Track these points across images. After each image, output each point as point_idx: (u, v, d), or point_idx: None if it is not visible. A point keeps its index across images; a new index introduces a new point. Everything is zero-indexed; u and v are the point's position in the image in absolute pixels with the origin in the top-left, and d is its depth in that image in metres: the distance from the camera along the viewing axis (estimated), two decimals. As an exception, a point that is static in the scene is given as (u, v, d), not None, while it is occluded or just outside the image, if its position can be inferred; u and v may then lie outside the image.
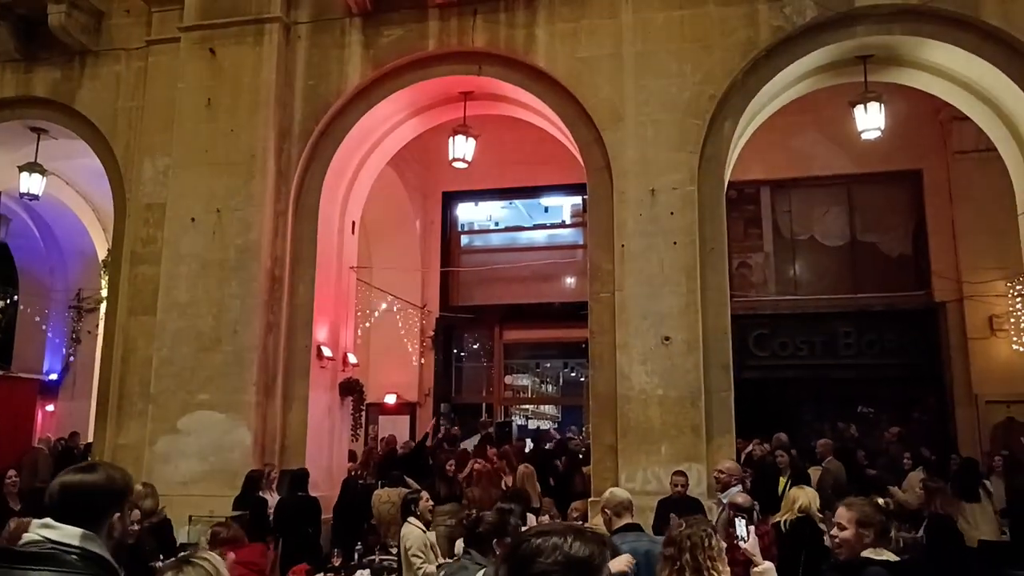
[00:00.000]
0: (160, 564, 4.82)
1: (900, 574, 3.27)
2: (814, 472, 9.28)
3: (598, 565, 1.62)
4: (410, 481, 9.04)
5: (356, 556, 7.47)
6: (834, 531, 3.47)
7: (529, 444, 13.86)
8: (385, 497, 8.66)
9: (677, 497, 7.20)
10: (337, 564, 6.94)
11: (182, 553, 2.25)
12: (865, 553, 3.32)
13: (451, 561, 4.90)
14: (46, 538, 2.05)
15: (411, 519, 6.57)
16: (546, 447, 12.40)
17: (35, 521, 2.13)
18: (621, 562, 3.79)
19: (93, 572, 2.02)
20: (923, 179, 13.31)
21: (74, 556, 2.02)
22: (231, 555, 5.21)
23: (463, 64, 9.56)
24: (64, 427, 14.11)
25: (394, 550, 7.82)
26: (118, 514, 2.19)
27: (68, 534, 2.05)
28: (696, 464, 7.86)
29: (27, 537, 2.08)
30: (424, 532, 6.51)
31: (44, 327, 15.04)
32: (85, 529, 2.08)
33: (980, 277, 12.32)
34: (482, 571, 4.01)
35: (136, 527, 5.22)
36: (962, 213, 12.71)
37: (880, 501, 3.77)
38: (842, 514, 3.44)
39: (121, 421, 9.42)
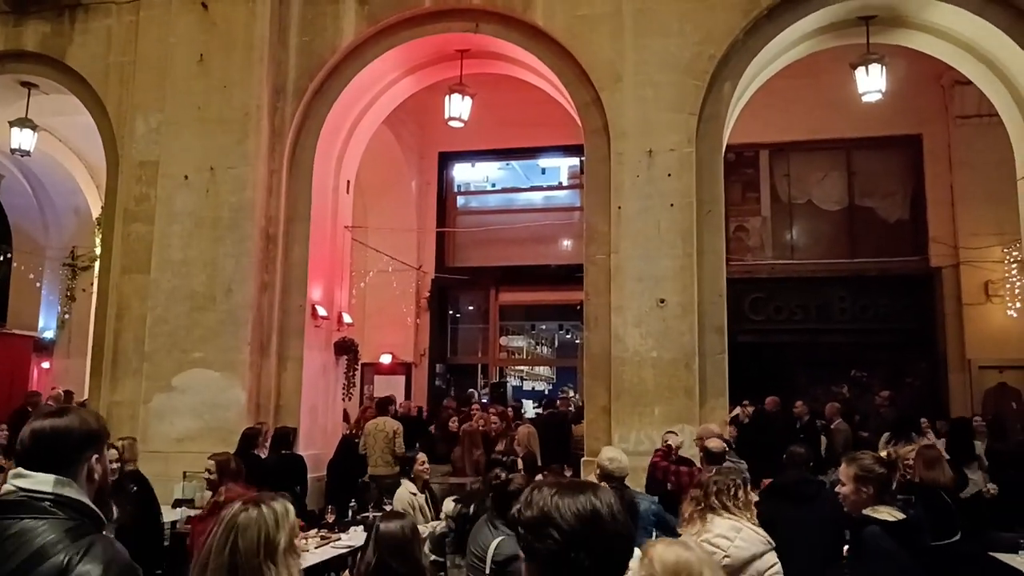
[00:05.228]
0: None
1: (897, 533, 3.27)
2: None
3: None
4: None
5: (350, 513, 7.54)
6: (838, 487, 3.58)
7: (529, 408, 13.85)
8: (381, 425, 9.73)
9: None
10: (331, 520, 6.99)
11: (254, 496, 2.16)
12: (866, 511, 3.37)
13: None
14: (19, 487, 1.99)
15: (405, 480, 6.63)
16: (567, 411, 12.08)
17: (11, 471, 2.08)
18: None
19: (68, 516, 1.97)
20: (923, 144, 13.22)
21: (47, 503, 1.96)
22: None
23: (460, 21, 9.39)
24: (60, 384, 14.12)
25: (388, 507, 7.90)
26: (96, 456, 2.11)
27: (40, 481, 1.99)
28: (689, 426, 7.90)
29: (5, 488, 2.03)
30: (415, 495, 6.55)
31: (38, 284, 14.98)
32: (59, 475, 2.01)
33: (977, 243, 12.31)
34: (500, 539, 3.83)
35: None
36: (961, 179, 12.65)
37: (883, 454, 3.81)
38: (843, 471, 3.54)
39: (116, 379, 9.42)
